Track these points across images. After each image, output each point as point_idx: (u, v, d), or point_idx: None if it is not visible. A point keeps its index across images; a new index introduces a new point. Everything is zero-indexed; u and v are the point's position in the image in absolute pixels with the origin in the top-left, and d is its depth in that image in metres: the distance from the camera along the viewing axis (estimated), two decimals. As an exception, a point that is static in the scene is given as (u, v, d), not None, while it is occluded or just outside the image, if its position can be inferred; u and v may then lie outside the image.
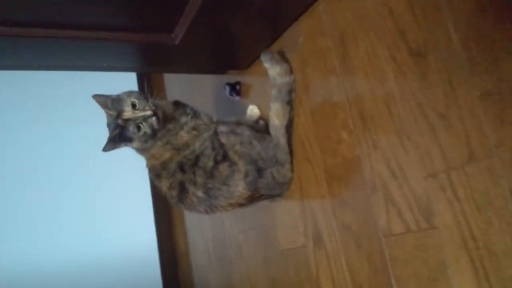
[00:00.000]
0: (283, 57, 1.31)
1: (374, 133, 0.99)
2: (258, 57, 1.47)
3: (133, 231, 2.32)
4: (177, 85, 2.34)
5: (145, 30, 1.19)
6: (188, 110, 1.38)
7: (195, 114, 1.38)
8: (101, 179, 2.23)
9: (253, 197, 1.31)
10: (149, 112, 1.21)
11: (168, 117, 1.31)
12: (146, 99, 1.24)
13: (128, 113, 1.20)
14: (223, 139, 1.31)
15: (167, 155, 1.31)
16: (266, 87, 1.40)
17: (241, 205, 1.31)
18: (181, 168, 1.30)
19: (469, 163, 0.79)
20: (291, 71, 1.30)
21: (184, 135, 1.32)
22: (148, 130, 1.22)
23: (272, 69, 1.31)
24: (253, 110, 1.53)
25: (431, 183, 0.87)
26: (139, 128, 1.21)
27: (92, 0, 0.97)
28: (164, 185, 1.32)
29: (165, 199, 1.36)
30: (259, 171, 1.29)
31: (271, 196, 1.36)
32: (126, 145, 1.26)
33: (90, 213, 2.22)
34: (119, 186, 2.25)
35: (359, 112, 1.04)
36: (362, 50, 1.01)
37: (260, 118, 1.51)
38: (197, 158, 1.30)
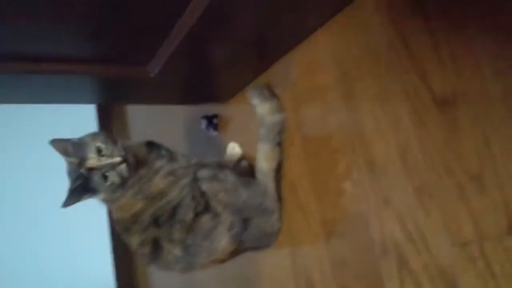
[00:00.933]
0: (272, 93, 1.17)
1: (386, 187, 0.86)
2: (240, 89, 1.32)
3: (88, 270, 2.08)
4: (142, 116, 2.13)
5: (118, 62, 1.02)
6: (163, 152, 1.20)
7: (172, 157, 1.20)
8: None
9: (237, 251, 1.15)
10: (118, 159, 1.02)
11: (140, 161, 1.13)
12: (114, 142, 1.06)
13: (92, 160, 1.01)
14: (205, 186, 1.15)
15: (138, 206, 1.13)
16: (248, 121, 1.26)
17: (222, 261, 1.14)
18: (156, 221, 1.12)
19: (508, 235, 0.67)
20: (281, 109, 1.16)
21: (159, 182, 1.14)
22: (117, 179, 1.03)
23: (261, 106, 1.16)
24: (234, 149, 1.37)
25: (458, 252, 0.74)
26: (105, 178, 1.02)
27: (59, 30, 0.79)
28: (134, 241, 1.13)
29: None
30: (245, 222, 1.13)
31: (256, 248, 1.19)
32: (90, 197, 1.06)
33: (41, 252, 1.97)
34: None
35: (366, 160, 0.90)
36: (371, 91, 0.88)
37: (243, 157, 1.36)
38: (174, 210, 1.12)
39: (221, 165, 1.30)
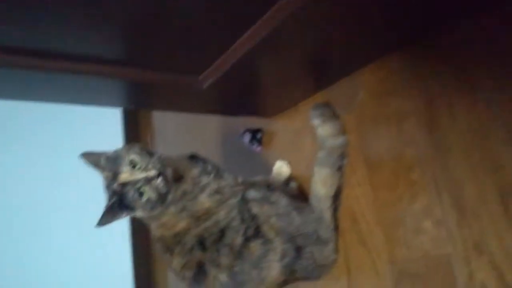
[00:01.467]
0: (334, 113, 1.07)
1: (479, 233, 0.76)
2: (290, 106, 1.23)
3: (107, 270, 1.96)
4: (170, 124, 2.02)
5: (171, 70, 0.92)
6: (209, 168, 1.10)
7: (218, 173, 1.10)
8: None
9: (287, 282, 1.05)
10: (152, 172, 0.93)
11: (182, 176, 1.03)
12: (150, 154, 0.96)
13: (125, 174, 0.92)
14: (256, 209, 1.05)
15: (182, 224, 1.02)
16: (296, 139, 1.17)
17: (270, 291, 1.04)
18: (201, 244, 1.01)
19: None
20: (344, 131, 1.06)
21: (205, 201, 1.04)
22: (153, 195, 0.94)
23: (322, 127, 1.07)
24: (281, 168, 1.28)
25: None
26: (140, 194, 0.93)
27: (113, 33, 0.70)
28: (176, 263, 1.03)
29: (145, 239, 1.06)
30: (298, 250, 1.03)
31: (306, 279, 1.09)
32: (127, 215, 0.96)
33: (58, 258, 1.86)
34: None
35: (453, 199, 0.81)
36: (462, 123, 0.79)
37: (290, 178, 1.26)
38: (222, 232, 1.02)
39: (270, 186, 1.20)
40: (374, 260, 0.97)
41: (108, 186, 0.96)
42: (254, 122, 1.41)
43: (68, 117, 1.82)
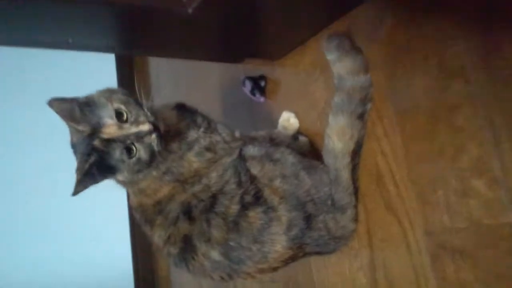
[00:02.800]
0: (355, 46, 0.84)
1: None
2: (296, 46, 0.99)
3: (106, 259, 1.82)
4: (167, 75, 1.80)
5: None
6: (199, 120, 0.89)
7: (210, 126, 0.89)
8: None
9: (295, 257, 0.85)
10: (146, 127, 0.74)
11: (170, 131, 0.82)
12: (138, 103, 0.76)
13: (111, 128, 0.72)
14: (255, 169, 0.85)
15: (165, 190, 0.83)
16: (306, 86, 0.94)
17: (275, 269, 0.85)
18: (188, 213, 0.82)
19: None
20: (367, 69, 0.83)
21: (193, 160, 0.84)
22: (145, 155, 0.77)
23: (340, 63, 0.84)
24: (289, 120, 1.06)
25: None
26: (129, 152, 0.75)
27: None
28: (158, 236, 0.85)
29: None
30: (308, 220, 0.84)
31: (319, 254, 0.90)
32: (107, 178, 0.79)
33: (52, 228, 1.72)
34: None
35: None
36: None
37: (299, 132, 1.04)
38: (213, 199, 0.82)
39: (273, 141, 0.99)
40: (405, 230, 0.77)
41: (80, 143, 0.76)
42: (256, 69, 1.18)
43: (58, 68, 1.63)
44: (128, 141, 0.74)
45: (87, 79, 1.22)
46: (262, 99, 1.16)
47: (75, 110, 0.76)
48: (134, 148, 0.75)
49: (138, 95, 0.81)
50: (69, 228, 1.70)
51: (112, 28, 0.88)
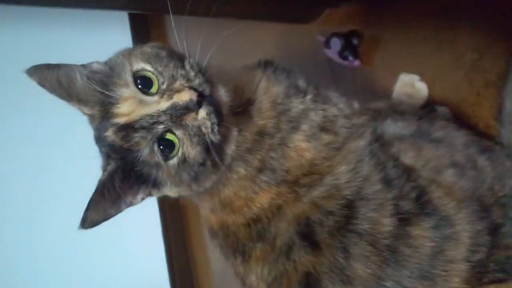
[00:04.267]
0: None
1: None
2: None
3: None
4: (193, 36, 1.41)
5: None
6: (302, 83, 0.55)
7: (319, 93, 0.55)
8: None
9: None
10: (185, 96, 0.45)
11: (251, 100, 0.54)
12: (177, 58, 0.48)
13: (126, 105, 0.46)
14: (408, 156, 0.53)
15: (263, 199, 0.51)
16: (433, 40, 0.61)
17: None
18: (308, 236, 0.49)
19: None
20: None
21: (304, 147, 0.52)
22: (194, 152, 0.47)
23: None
24: (413, 85, 0.72)
25: None
26: (167, 147, 0.46)
27: None
28: (256, 276, 0.51)
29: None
30: (494, 234, 0.51)
31: (501, 282, 0.55)
32: (146, 197, 0.50)
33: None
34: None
35: None
36: None
37: (432, 101, 0.70)
38: (349, 210, 0.50)
39: (393, 109, 0.66)
40: None
41: (98, 136, 0.48)
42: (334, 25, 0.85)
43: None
44: (159, 127, 0.44)
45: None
46: (356, 62, 0.82)
47: (75, 81, 0.48)
48: (176, 140, 0.46)
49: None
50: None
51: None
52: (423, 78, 0.73)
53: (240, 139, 0.51)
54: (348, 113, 0.57)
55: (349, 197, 0.50)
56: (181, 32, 0.50)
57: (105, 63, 0.49)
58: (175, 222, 1.53)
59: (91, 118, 0.48)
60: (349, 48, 0.82)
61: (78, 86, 0.47)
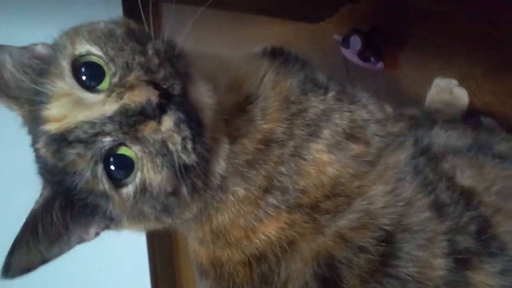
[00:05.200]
0: None
1: None
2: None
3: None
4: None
5: None
6: (322, 78, 0.42)
7: (344, 90, 0.42)
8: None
9: None
10: (140, 96, 0.31)
11: (253, 96, 0.41)
12: (139, 38, 0.35)
13: (58, 107, 0.33)
14: (466, 176, 0.38)
15: (269, 230, 0.37)
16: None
17: None
18: (332, 281, 0.33)
19: None
20: None
21: (325, 159, 0.36)
22: (162, 183, 0.34)
23: None
24: (451, 91, 0.60)
25: None
26: (126, 170, 0.34)
27: None
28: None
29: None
30: None
31: None
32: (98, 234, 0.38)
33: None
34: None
35: None
36: None
37: (477, 111, 0.58)
38: (387, 245, 0.36)
39: (429, 118, 0.54)
40: None
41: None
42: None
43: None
44: (104, 141, 0.33)
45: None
46: (379, 64, 0.70)
47: (2, 67, 0.36)
48: (134, 156, 0.34)
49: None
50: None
51: None
52: (462, 82, 0.60)
53: (236, 150, 0.38)
54: (380, 117, 0.44)
55: (388, 227, 0.37)
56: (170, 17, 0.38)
57: (53, 45, 0.37)
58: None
59: (24, 120, 0.35)
60: (371, 48, 0.70)
61: (7, 74, 0.34)
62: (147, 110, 0.31)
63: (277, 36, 0.91)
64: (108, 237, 0.38)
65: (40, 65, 0.35)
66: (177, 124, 0.32)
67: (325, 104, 0.41)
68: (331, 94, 0.42)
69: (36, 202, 0.33)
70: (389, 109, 0.47)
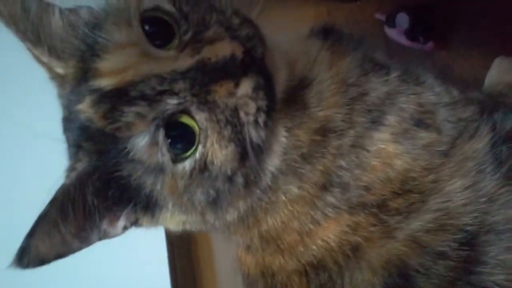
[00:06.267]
0: None
1: None
2: None
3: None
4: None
5: None
6: (382, 58, 0.36)
7: (407, 71, 0.36)
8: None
9: None
10: (225, 49, 0.28)
11: (309, 82, 0.35)
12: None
13: (116, 56, 0.28)
14: None
15: (327, 234, 0.34)
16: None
17: None
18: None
19: None
20: None
21: (391, 150, 0.33)
22: (226, 161, 0.29)
23: None
24: (517, 72, 0.53)
25: None
26: (183, 145, 0.29)
27: None
28: None
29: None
30: None
31: None
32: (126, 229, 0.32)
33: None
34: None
35: None
36: None
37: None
38: (470, 250, 0.31)
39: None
40: None
41: (68, 120, 0.32)
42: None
43: None
44: (171, 102, 0.28)
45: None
46: (429, 44, 0.64)
47: (51, 19, 0.31)
48: (196, 128, 0.29)
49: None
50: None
51: None
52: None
53: (289, 143, 0.33)
54: (449, 101, 0.38)
55: (470, 228, 0.32)
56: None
57: (101, 10, 0.32)
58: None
59: (61, 83, 0.31)
60: (420, 26, 0.64)
61: (54, 28, 0.30)
62: (229, 65, 0.27)
63: (312, 18, 0.85)
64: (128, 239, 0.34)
65: (93, 20, 0.31)
66: (255, 90, 0.28)
67: (389, 86, 0.36)
68: (394, 75, 0.37)
69: (66, 177, 0.29)
70: (455, 92, 0.41)
